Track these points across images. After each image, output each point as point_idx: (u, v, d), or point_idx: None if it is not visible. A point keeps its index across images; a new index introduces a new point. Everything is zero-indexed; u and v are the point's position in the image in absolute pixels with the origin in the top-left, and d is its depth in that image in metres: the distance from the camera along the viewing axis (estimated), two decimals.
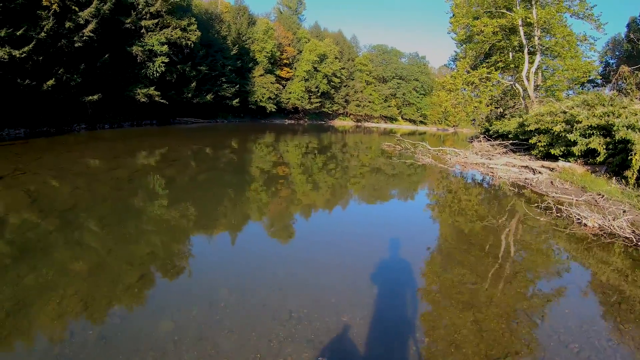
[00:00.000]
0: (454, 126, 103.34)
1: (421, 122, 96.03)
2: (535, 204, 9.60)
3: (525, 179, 12.80)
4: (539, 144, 15.87)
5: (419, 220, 8.91)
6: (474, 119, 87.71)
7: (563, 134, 14.10)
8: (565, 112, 15.02)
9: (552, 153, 14.65)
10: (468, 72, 22.24)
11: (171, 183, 10.31)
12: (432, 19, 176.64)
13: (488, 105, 23.69)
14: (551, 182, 11.86)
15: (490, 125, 30.00)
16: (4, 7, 19.52)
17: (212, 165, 13.87)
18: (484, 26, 19.99)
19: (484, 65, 23.02)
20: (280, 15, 71.68)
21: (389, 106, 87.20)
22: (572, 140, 13.28)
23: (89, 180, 9.67)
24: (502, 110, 31.11)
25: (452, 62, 33.80)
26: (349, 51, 78.83)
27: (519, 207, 9.62)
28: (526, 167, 14.44)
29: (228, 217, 7.72)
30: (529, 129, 16.62)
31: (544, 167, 13.77)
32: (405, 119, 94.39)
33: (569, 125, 13.96)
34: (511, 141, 19.87)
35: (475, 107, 22.62)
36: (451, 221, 8.73)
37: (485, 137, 25.15)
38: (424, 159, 17.45)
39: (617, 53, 45.08)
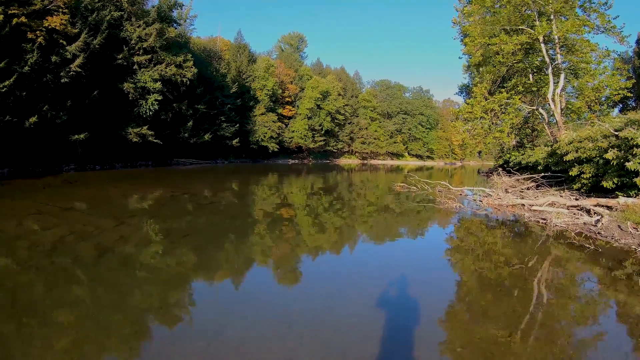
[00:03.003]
0: (461, 160, 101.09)
1: (428, 156, 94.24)
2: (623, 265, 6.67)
3: (584, 223, 9.86)
4: (583, 176, 13.20)
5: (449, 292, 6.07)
6: (480, 151, 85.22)
7: (615, 162, 11.50)
8: (607, 137, 12.55)
9: (605, 186, 11.92)
10: (486, 98, 19.81)
11: (110, 252, 6.58)
12: (434, 52, 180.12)
13: (509, 135, 21.05)
14: (619, 227, 9.06)
15: (509, 157, 27.36)
16: None
17: (181, 223, 9.66)
18: (503, 44, 17.75)
19: (503, 90, 20.66)
20: (282, 53, 71.64)
21: (394, 142, 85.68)
22: (631, 169, 10.60)
23: (2, 245, 7.00)
24: (519, 139, 28.58)
25: (462, 91, 31.80)
26: (353, 87, 78.16)
27: (605, 274, 6.68)
28: (576, 206, 11.62)
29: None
30: (566, 159, 14.00)
31: (599, 205, 10.97)
32: (412, 155, 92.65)
33: (622, 152, 11.38)
34: (542, 174, 17.16)
35: (496, 137, 19.97)
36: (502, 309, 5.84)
37: (504, 169, 22.43)
38: (448, 203, 13.81)
39: (629, 71, 42.46)
